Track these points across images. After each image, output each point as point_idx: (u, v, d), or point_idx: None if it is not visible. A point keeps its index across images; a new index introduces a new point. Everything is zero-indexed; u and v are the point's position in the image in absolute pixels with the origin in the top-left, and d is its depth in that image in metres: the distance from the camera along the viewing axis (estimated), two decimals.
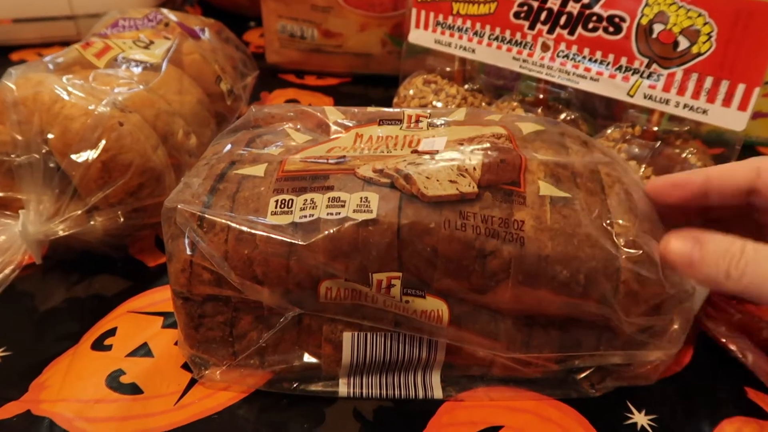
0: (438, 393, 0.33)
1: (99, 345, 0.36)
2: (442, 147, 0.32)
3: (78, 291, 0.40)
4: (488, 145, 0.32)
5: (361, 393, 0.33)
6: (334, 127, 0.36)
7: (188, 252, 0.29)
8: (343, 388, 0.33)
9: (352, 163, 0.31)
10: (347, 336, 0.31)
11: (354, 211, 0.28)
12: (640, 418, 0.32)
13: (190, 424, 0.31)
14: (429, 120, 0.36)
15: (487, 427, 0.31)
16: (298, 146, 0.34)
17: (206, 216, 0.29)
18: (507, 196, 0.29)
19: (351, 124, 0.36)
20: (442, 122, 0.36)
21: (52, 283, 0.40)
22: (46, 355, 0.35)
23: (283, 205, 0.29)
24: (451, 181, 0.29)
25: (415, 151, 0.32)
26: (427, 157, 0.31)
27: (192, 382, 0.33)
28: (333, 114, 0.37)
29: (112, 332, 0.36)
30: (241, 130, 0.37)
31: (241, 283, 0.29)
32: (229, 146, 0.34)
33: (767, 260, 0.26)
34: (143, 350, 0.35)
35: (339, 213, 0.28)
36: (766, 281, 0.26)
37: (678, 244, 0.28)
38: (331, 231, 0.28)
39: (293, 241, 0.28)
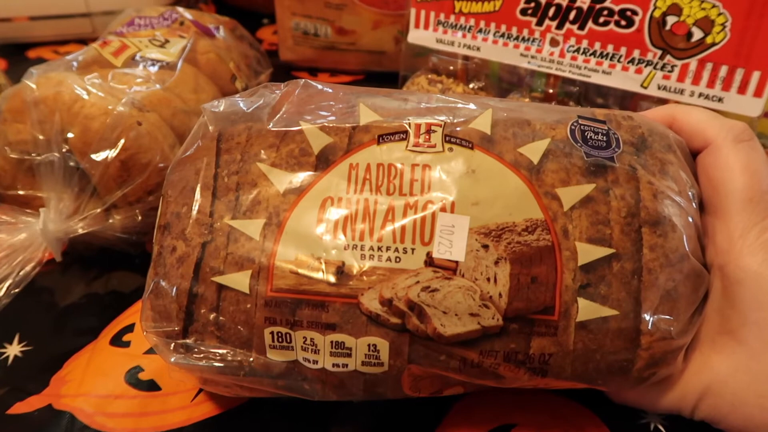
0: None
1: (118, 341, 0.36)
2: (463, 248, 0.26)
3: (97, 287, 0.41)
4: (518, 248, 0.26)
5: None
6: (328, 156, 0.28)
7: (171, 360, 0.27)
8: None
9: (355, 286, 0.26)
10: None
11: (362, 363, 0.26)
12: (654, 419, 0.32)
13: (207, 420, 0.32)
14: (443, 131, 0.28)
15: (500, 424, 0.31)
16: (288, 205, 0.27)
17: (187, 350, 0.27)
18: (536, 327, 0.26)
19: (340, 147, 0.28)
20: (463, 142, 0.28)
21: (71, 279, 0.41)
22: (66, 350, 0.36)
23: (280, 339, 0.26)
24: (471, 314, 0.26)
25: (429, 262, 0.26)
26: (442, 280, 0.26)
27: None
28: (317, 139, 0.28)
29: (130, 328, 0.37)
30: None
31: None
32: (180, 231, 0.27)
33: None
34: None
35: (346, 365, 0.26)
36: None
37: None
38: (338, 380, 0.27)
39: (305, 397, 0.27)
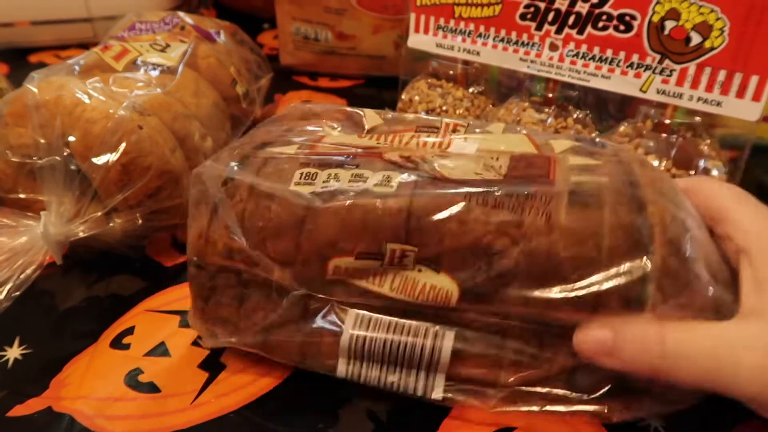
0: (438, 394, 0.31)
1: (117, 343, 0.36)
2: (473, 150, 0.33)
3: (97, 290, 0.41)
4: (518, 155, 0.32)
5: (360, 374, 0.32)
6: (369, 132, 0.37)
7: (206, 219, 0.31)
8: (341, 367, 0.32)
9: (381, 149, 0.33)
10: (351, 313, 0.31)
11: (375, 185, 0.30)
12: (654, 421, 0.32)
13: (207, 423, 0.32)
14: (467, 129, 0.36)
15: (499, 428, 0.32)
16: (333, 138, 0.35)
17: (232, 177, 0.31)
18: (534, 185, 0.29)
19: (387, 129, 0.37)
20: (479, 131, 0.36)
21: (72, 283, 0.41)
22: (66, 353, 0.36)
23: (307, 177, 0.31)
24: (476, 173, 0.30)
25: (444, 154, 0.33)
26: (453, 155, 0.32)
27: (208, 382, 0.34)
28: (372, 119, 0.38)
29: (130, 331, 0.37)
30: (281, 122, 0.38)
31: (254, 255, 0.31)
32: (264, 132, 0.36)
33: (686, 342, 0.26)
34: (161, 349, 0.36)
35: (359, 186, 0.30)
36: (688, 365, 0.26)
37: (594, 333, 0.28)
38: (347, 202, 0.29)
39: (309, 204, 0.29)
